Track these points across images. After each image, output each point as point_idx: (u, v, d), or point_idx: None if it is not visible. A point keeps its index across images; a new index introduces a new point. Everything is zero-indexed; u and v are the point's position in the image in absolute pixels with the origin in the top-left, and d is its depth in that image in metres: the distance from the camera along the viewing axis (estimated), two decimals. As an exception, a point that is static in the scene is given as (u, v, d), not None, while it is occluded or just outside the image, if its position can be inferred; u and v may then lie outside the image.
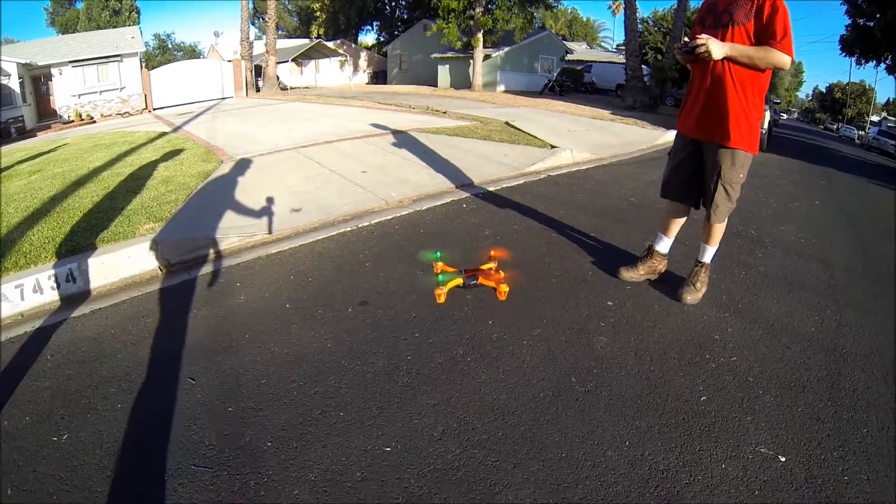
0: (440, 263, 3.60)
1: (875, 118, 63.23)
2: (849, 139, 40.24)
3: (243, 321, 3.11)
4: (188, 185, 5.74)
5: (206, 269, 3.92)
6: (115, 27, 45.85)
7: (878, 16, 26.20)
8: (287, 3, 57.49)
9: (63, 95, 23.61)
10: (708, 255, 3.50)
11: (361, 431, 2.17)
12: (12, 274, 3.57)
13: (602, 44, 70.56)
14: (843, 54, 29.73)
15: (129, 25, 47.72)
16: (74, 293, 3.59)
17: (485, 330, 2.98)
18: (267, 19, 29.76)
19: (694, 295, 3.45)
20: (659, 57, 30.58)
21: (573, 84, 29.82)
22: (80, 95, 23.73)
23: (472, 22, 25.90)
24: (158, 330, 3.05)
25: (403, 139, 8.59)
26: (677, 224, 3.62)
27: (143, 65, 26.03)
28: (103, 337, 2.97)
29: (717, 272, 3.79)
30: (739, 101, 2.99)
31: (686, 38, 2.96)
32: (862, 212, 7.12)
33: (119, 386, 2.50)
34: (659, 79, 21.87)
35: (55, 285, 3.53)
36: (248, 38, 29.94)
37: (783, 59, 2.83)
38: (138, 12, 55.42)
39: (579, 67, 34.30)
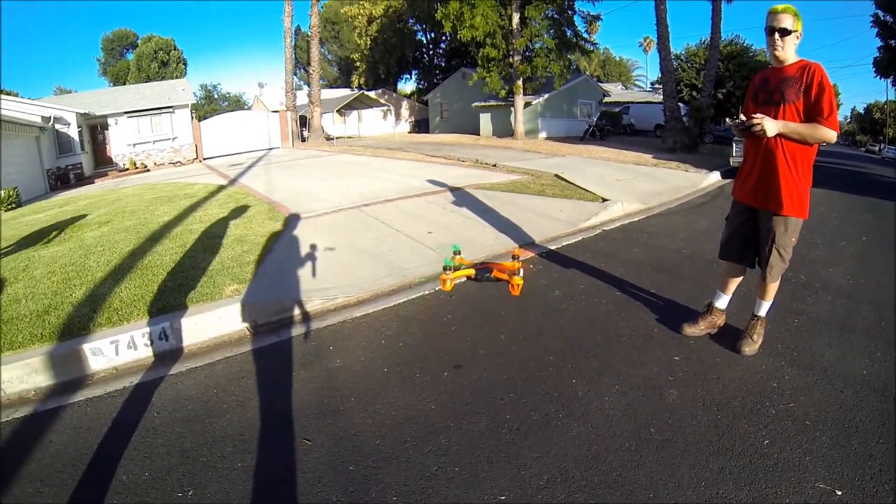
0: (458, 257, 4.31)
1: (919, 135, 61.83)
2: (892, 160, 39.37)
3: (345, 384, 3.42)
4: (262, 245, 6.24)
5: (295, 330, 4.34)
6: (163, 78, 48.56)
7: (910, 34, 26.08)
8: (327, 53, 59.76)
9: (119, 144, 25.46)
10: (763, 309, 3.88)
11: (476, 484, 2.44)
12: (106, 329, 3.93)
13: (637, 82, 71.10)
14: (878, 76, 29.67)
15: (177, 76, 50.53)
16: (167, 350, 3.95)
17: (570, 389, 3.38)
18: (311, 71, 31.16)
19: (752, 346, 3.81)
20: (695, 94, 30.75)
21: (612, 127, 30.18)
22: (134, 145, 25.57)
23: (511, 70, 26.69)
24: (262, 391, 3.35)
25: (462, 197, 9.22)
26: (735, 282, 4.05)
27: (194, 115, 27.58)
28: (207, 396, 3.29)
29: (772, 321, 4.09)
30: (790, 172, 3.33)
31: (742, 116, 3.35)
32: None
33: (234, 445, 2.75)
34: (697, 118, 22.11)
35: (149, 342, 3.88)
36: (292, 89, 31.32)
37: (830, 135, 3.17)
38: (185, 63, 58.60)
39: (617, 109, 34.74)
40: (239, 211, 8.42)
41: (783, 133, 3.28)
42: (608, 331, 4.26)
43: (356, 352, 3.99)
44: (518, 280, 4.03)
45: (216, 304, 4.40)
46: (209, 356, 3.90)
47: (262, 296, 4.64)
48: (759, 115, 3.24)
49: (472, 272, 4.11)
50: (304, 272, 5.47)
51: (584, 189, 9.94)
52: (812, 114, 3.24)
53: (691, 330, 4.12)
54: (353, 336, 4.27)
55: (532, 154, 17.29)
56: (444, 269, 4.92)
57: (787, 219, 3.47)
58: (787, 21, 3.27)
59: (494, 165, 13.37)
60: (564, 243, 6.77)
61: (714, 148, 21.59)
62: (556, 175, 11.53)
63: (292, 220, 7.74)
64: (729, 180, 13.28)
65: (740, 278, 4.05)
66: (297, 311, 4.58)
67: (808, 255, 6.08)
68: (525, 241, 6.72)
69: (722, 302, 4.12)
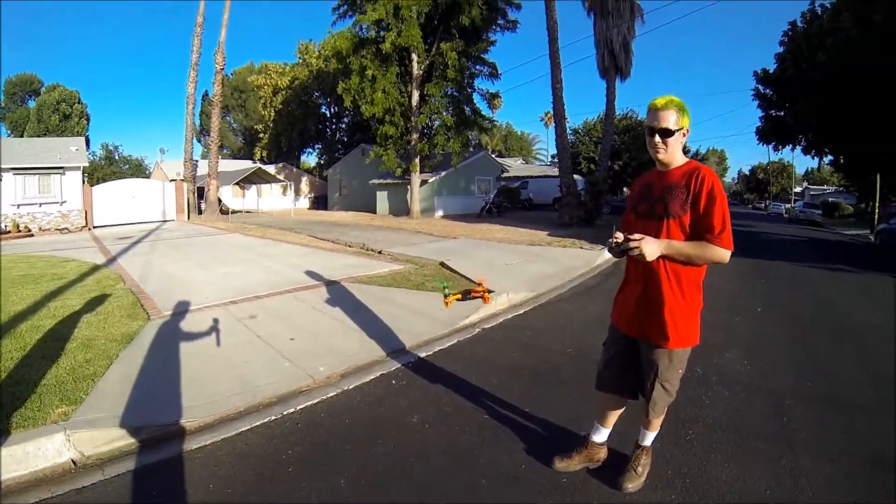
0: (447, 290, 5.11)
1: (798, 189, 67.90)
2: (777, 215, 42.23)
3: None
4: (109, 353, 5.51)
5: (122, 467, 3.70)
6: (63, 132, 45.79)
7: (787, 105, 28.50)
8: (233, 122, 58.86)
9: (2, 203, 22.89)
10: (648, 439, 3.47)
11: None
12: None
13: (538, 155, 74.16)
14: (761, 143, 32.21)
15: (78, 132, 47.73)
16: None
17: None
18: (210, 143, 30.19)
19: (635, 481, 3.38)
20: (592, 166, 32.04)
21: (510, 203, 30.86)
22: (19, 206, 23.09)
23: (408, 147, 26.79)
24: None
25: (336, 293, 8.58)
26: (615, 415, 3.59)
27: (86, 179, 25.85)
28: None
29: (663, 436, 3.75)
30: (675, 297, 2.94)
31: (619, 234, 2.84)
32: (801, 313, 7.33)
33: None
34: (593, 192, 22.81)
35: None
36: (191, 158, 30.17)
37: (722, 255, 2.76)
38: (88, 119, 55.64)
39: (516, 185, 35.65)
40: (100, 303, 7.63)
41: (667, 255, 2.86)
42: (469, 471, 3.68)
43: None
44: (488, 295, 5.53)
45: (39, 431, 3.91)
46: (25, 496, 3.37)
47: (92, 421, 4.13)
48: (636, 235, 2.78)
49: (460, 295, 5.41)
50: (146, 390, 4.80)
51: (467, 279, 9.54)
52: (700, 229, 2.83)
53: (563, 465, 3.63)
54: (179, 479, 3.61)
55: (423, 236, 16.97)
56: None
57: (671, 352, 3.07)
58: (669, 119, 2.89)
59: (380, 252, 12.88)
60: (437, 349, 6.21)
61: (612, 219, 22.13)
62: (441, 263, 11.14)
63: (154, 318, 7.02)
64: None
65: (621, 410, 3.59)
66: (127, 441, 4.01)
67: (705, 339, 5.73)
68: (394, 348, 6.11)
69: (600, 436, 3.65)
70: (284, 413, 4.55)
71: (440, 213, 29.49)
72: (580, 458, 3.63)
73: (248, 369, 5.44)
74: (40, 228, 23.30)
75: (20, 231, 22.27)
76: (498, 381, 5.19)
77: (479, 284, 5.06)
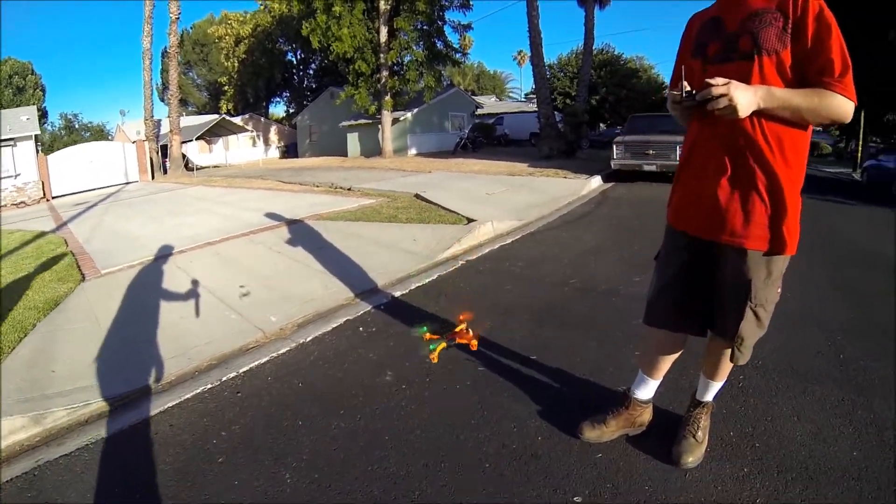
0: (427, 334, 3.48)
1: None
2: None
3: None
4: (25, 324, 4.39)
5: (20, 467, 2.67)
6: (19, 107, 43.22)
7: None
8: (196, 77, 56.03)
9: None
10: (712, 391, 2.47)
11: None
12: None
13: (511, 94, 72.15)
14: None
15: (34, 104, 44.94)
16: None
17: None
18: (169, 96, 28.14)
19: (696, 452, 2.37)
20: (569, 102, 30.69)
21: (486, 139, 29.51)
22: None
23: (379, 85, 25.21)
24: None
25: (298, 232, 7.36)
26: (668, 362, 2.50)
27: (40, 149, 23.84)
28: None
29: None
30: (780, 174, 1.92)
31: (684, 84, 1.88)
32: (820, 243, 6.32)
33: None
34: (572, 124, 21.56)
35: None
36: (151, 116, 27.96)
37: (845, 108, 1.80)
38: (43, 90, 52.69)
39: (490, 121, 34.22)
40: (32, 269, 6.42)
41: (766, 109, 1.84)
42: (465, 450, 2.60)
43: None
44: (475, 341, 3.53)
45: None
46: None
47: None
48: (719, 79, 1.79)
49: (445, 344, 3.44)
50: (61, 363, 3.77)
51: (446, 209, 8.36)
52: (811, 71, 1.85)
53: (595, 433, 2.59)
54: (83, 477, 2.58)
55: (395, 172, 15.66)
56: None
57: (771, 259, 2.03)
58: None
59: (349, 189, 11.60)
60: (414, 286, 5.09)
61: (592, 153, 21.07)
62: (416, 195, 9.91)
63: (90, 278, 5.88)
64: (611, 184, 12.30)
65: (677, 354, 2.50)
66: (29, 432, 3.03)
67: None
68: (362, 289, 4.98)
69: (646, 391, 2.61)
70: (223, 379, 3.47)
71: (413, 151, 28.04)
72: (617, 423, 2.57)
73: (185, 327, 4.36)
74: None
75: None
76: (492, 322, 4.09)
77: (462, 322, 3.59)
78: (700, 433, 2.42)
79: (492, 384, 3.18)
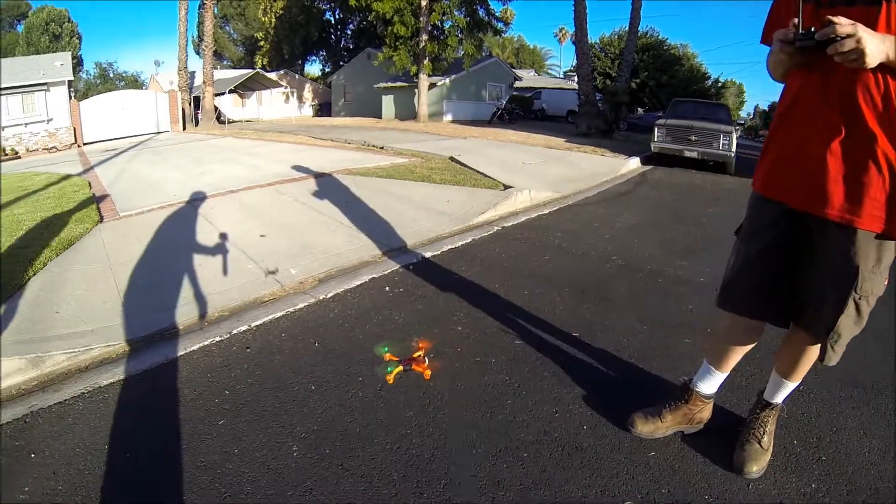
0: (387, 355, 2.83)
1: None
2: None
3: None
4: (35, 263, 4.11)
5: (11, 413, 2.38)
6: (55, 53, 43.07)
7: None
8: (232, 32, 55.51)
9: None
10: (784, 393, 2.08)
11: None
12: None
13: (549, 71, 70.57)
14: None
15: (71, 52, 44.91)
16: None
17: None
18: (204, 48, 27.76)
19: (761, 461, 2.01)
20: (608, 82, 29.82)
21: (522, 111, 28.73)
22: (3, 128, 21.13)
23: (418, 49, 24.58)
24: None
25: (325, 185, 6.98)
26: (739, 353, 2.10)
27: (73, 95, 23.70)
28: None
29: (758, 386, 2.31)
30: None
31: (799, 20, 1.47)
32: None
33: None
34: (613, 103, 20.82)
35: None
36: (185, 67, 27.61)
37: None
38: (79, 38, 52.50)
39: (528, 94, 33.35)
40: (52, 210, 6.10)
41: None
42: (499, 435, 2.23)
43: (60, 466, 2.04)
44: (428, 372, 2.73)
45: None
46: None
47: None
48: (842, 19, 1.38)
49: (401, 368, 2.73)
50: (66, 305, 3.46)
51: (481, 174, 7.93)
52: None
53: (649, 428, 2.22)
54: (75, 427, 2.28)
55: (430, 136, 15.16)
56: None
57: (883, 244, 1.63)
58: None
59: (381, 148, 11.19)
60: (446, 248, 4.69)
61: (629, 135, 20.29)
62: (451, 158, 9.48)
63: (108, 220, 5.60)
64: (650, 167, 11.75)
65: (751, 346, 2.11)
66: (28, 375, 2.73)
67: None
68: (390, 247, 4.60)
69: (710, 385, 2.21)
70: (233, 332, 3.13)
71: (449, 117, 27.37)
72: (674, 419, 2.20)
73: (198, 275, 4.02)
74: (27, 149, 21.12)
75: (6, 154, 20.36)
76: (530, 293, 3.70)
77: (421, 349, 2.92)
78: (766, 439, 2.05)
79: (530, 361, 2.80)
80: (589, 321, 3.28)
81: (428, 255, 4.46)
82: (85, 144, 21.71)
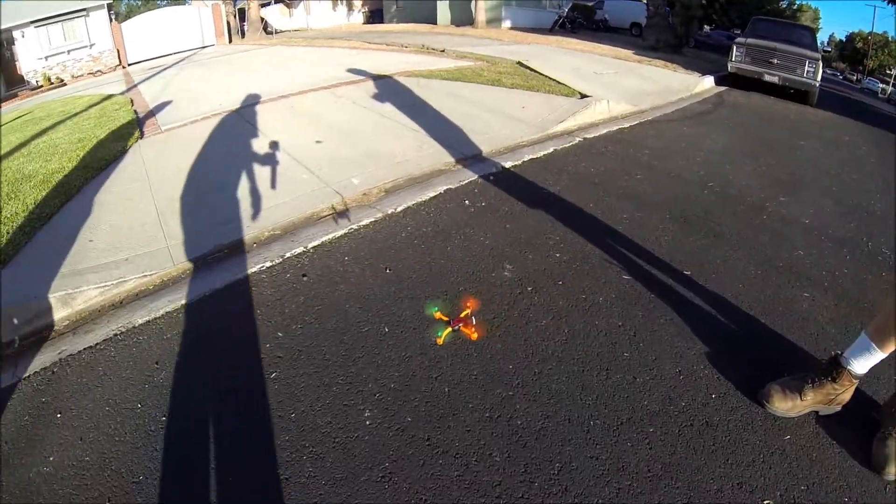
0: (438, 314, 2.30)
1: (896, 72, 59.60)
2: (871, 92, 37.48)
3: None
4: (68, 188, 3.68)
5: (40, 361, 2.05)
6: None
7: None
8: (281, -62, 53.15)
9: (29, 59, 20.32)
10: None
11: None
12: None
13: (611, -19, 66.32)
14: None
15: None
16: None
17: None
18: (247, -46, 26.46)
19: None
20: (676, -2, 27.70)
21: (585, 20, 27.05)
22: (46, 58, 20.49)
23: (478, -50, 22.99)
24: None
25: (386, 87, 6.36)
26: None
27: (114, 17, 23.05)
28: None
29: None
30: None
31: None
32: None
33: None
34: (684, 17, 19.17)
35: None
36: None
37: None
38: None
39: (591, 3, 31.33)
40: (90, 131, 5.56)
41: None
42: (616, 402, 1.80)
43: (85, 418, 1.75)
44: (475, 335, 2.16)
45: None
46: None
47: (20, 285, 2.51)
48: None
49: (450, 329, 2.18)
50: (100, 232, 3.04)
51: (554, 80, 7.14)
52: None
53: (786, 405, 1.82)
54: (107, 377, 1.94)
55: (490, 41, 14.13)
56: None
57: None
58: None
59: (442, 51, 10.36)
60: (527, 157, 4.13)
61: (697, 53, 18.79)
62: (519, 62, 8.64)
63: (149, 135, 5.12)
64: (724, 88, 10.74)
65: None
66: (60, 314, 2.38)
67: (868, 206, 3.76)
68: (465, 154, 4.06)
69: (866, 363, 1.78)
70: (286, 256, 2.70)
71: (507, 24, 25.83)
72: (815, 397, 1.77)
73: (246, 189, 3.57)
74: (72, 76, 20.58)
75: (52, 83, 19.89)
76: (629, 216, 3.15)
77: (467, 308, 2.40)
78: None
79: (642, 302, 2.30)
80: (699, 258, 2.75)
81: (508, 164, 3.91)
82: (130, 65, 21.17)
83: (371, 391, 1.78)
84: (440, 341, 2.14)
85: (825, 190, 4.05)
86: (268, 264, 2.60)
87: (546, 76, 7.45)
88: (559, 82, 6.97)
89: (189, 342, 2.08)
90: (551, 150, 4.35)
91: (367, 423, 1.66)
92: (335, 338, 2.04)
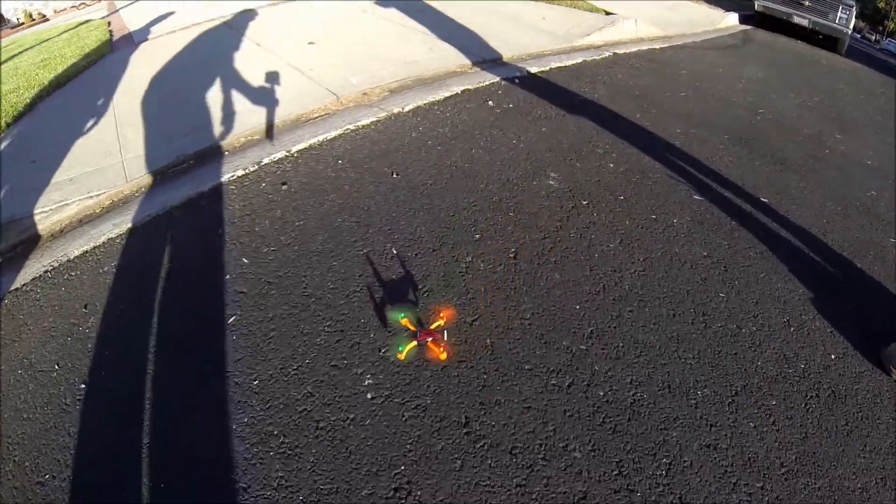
0: (404, 320, 1.64)
1: (917, 35, 57.70)
2: (891, 53, 36.54)
3: None
4: (16, 107, 3.05)
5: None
6: None
7: None
8: None
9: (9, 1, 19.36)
10: None
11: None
12: None
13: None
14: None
15: None
16: None
17: None
18: None
19: None
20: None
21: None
22: None
23: None
24: None
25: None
26: None
27: None
28: None
29: None
30: None
31: None
32: None
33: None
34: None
35: None
36: None
37: None
38: None
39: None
40: (59, 51, 4.85)
41: None
42: (726, 367, 1.30)
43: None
44: (444, 356, 1.35)
45: None
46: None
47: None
48: None
49: (415, 343, 1.39)
50: (46, 153, 2.46)
51: (577, -2, 6.39)
52: None
53: None
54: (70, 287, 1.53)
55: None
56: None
57: None
58: None
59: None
60: (553, 65, 3.50)
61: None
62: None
63: (120, 49, 4.41)
64: (749, 27, 9.98)
65: None
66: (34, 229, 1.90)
67: None
68: (484, 57, 3.42)
69: None
70: (263, 162, 2.13)
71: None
72: None
73: (223, 93, 2.91)
74: (55, 11, 19.42)
75: (34, 19, 18.52)
76: (684, 132, 2.59)
77: (440, 319, 1.73)
78: None
79: (724, 229, 1.79)
80: (772, 185, 2.23)
81: (533, 69, 3.28)
82: None
83: (373, 345, 1.24)
84: (401, 356, 1.60)
85: (878, 134, 3.52)
86: (239, 173, 2.03)
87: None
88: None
89: (127, 277, 1.54)
90: (580, 60, 3.72)
91: (370, 396, 1.12)
92: (321, 264, 1.49)
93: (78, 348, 1.28)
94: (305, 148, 2.20)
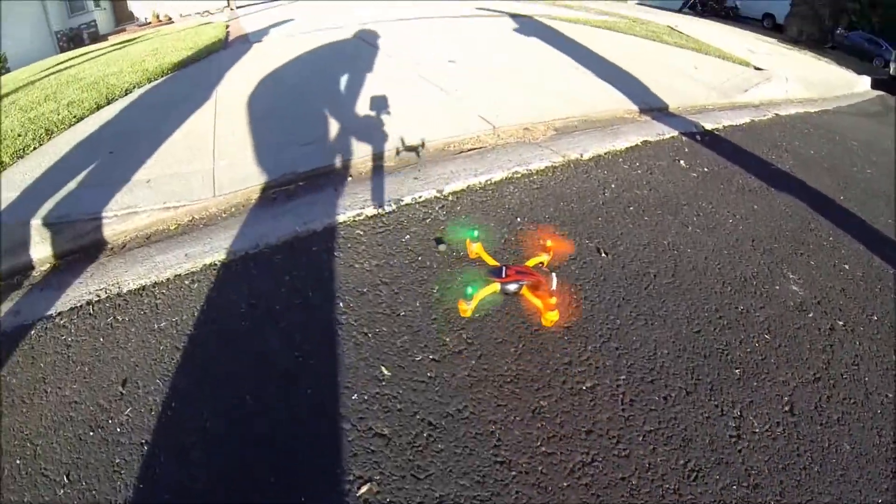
0: (475, 246, 1.38)
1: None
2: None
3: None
4: (113, 92, 3.03)
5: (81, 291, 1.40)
6: None
7: None
8: None
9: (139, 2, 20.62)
10: None
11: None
12: None
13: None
14: None
15: None
16: None
17: None
18: None
19: None
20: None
21: (716, 4, 24.89)
22: None
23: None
24: None
25: (530, 26, 5.42)
26: None
27: None
28: None
29: None
30: None
31: None
32: None
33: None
34: (835, 8, 16.98)
35: None
36: None
37: None
38: None
39: (724, -13, 28.87)
40: (172, 43, 5.07)
41: None
42: None
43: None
44: (553, 316, 1.10)
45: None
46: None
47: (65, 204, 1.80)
48: None
49: (496, 288, 1.11)
50: (127, 145, 2.27)
51: (718, 48, 5.98)
52: None
53: None
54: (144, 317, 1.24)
55: (620, 4, 12.76)
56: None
57: None
58: None
59: (570, 7, 9.21)
60: (725, 122, 3.15)
61: (837, 53, 16.84)
62: (670, 27, 7.48)
63: (233, 47, 4.52)
64: (882, 93, 9.27)
65: None
66: (36, 255, 1.61)
67: None
68: (650, 105, 3.16)
69: None
70: (403, 202, 1.83)
71: (634, 1, 24.28)
72: None
73: (353, 103, 2.74)
74: (181, 15, 20.71)
75: (161, 20, 19.78)
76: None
77: (548, 250, 1.44)
78: None
79: None
80: None
81: (708, 126, 2.96)
82: (239, 7, 20.93)
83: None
84: (466, 312, 1.21)
85: None
86: (369, 211, 1.71)
87: (705, 43, 6.30)
88: (724, 52, 5.82)
89: (189, 351, 1.17)
90: (748, 119, 3.37)
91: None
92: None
93: (101, 458, 0.94)
94: (463, 190, 1.91)
